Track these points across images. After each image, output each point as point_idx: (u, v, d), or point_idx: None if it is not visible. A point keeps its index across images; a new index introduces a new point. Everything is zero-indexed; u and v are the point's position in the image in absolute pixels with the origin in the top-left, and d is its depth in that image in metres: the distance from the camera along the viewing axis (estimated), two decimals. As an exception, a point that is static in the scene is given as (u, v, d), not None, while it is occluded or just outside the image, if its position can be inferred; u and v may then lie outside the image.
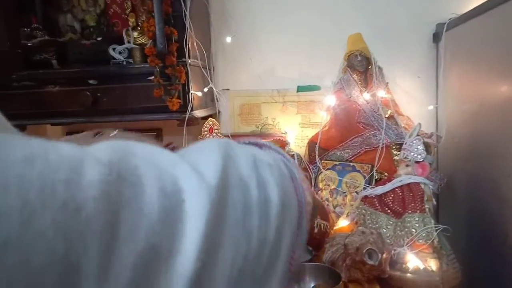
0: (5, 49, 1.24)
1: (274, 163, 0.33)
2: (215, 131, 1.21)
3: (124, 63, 1.26)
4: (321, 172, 1.35)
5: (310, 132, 1.53)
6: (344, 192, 1.29)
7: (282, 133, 1.55)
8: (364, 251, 0.87)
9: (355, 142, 1.33)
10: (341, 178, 1.31)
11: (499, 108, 1.04)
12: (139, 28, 1.29)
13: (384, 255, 0.90)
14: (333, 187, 1.32)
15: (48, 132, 1.66)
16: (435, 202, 1.04)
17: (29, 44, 1.28)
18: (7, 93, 1.24)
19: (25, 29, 1.29)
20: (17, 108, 1.25)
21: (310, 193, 0.38)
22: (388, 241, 1.01)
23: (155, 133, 1.58)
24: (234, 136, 1.53)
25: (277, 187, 0.31)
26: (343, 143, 1.36)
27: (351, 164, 1.32)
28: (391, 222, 1.04)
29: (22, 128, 1.31)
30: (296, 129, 1.56)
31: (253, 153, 0.33)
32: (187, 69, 1.18)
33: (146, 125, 1.56)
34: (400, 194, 1.06)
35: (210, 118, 1.23)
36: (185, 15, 1.17)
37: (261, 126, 1.58)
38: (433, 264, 0.92)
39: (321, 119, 1.50)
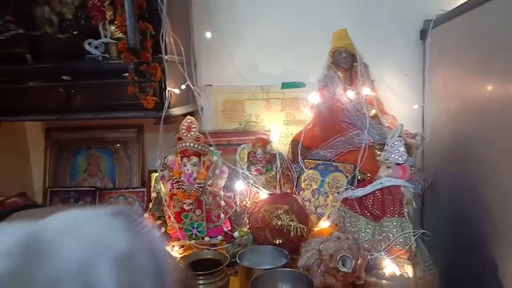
0: (-25, 43, 1.19)
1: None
2: (193, 129, 1.18)
3: (100, 58, 1.21)
4: (304, 171, 1.32)
5: (295, 130, 1.49)
6: (326, 193, 1.26)
7: (266, 130, 1.52)
8: (338, 257, 0.85)
9: (338, 142, 1.30)
10: (323, 178, 1.28)
11: (479, 109, 1.01)
12: (116, 22, 1.25)
13: (359, 261, 0.88)
14: (315, 187, 1.29)
15: (26, 128, 1.62)
16: (415, 205, 1.02)
17: (1, 37, 1.24)
18: (-22, 88, 1.20)
19: (-3, 22, 1.25)
20: (-12, 104, 1.21)
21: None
22: (366, 245, 0.98)
23: (136, 130, 1.55)
24: (217, 133, 1.49)
25: None
26: (326, 142, 1.32)
27: (334, 164, 1.29)
28: (370, 226, 1.02)
29: (-5, 125, 1.27)
30: (281, 127, 1.53)
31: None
32: (164, 65, 1.14)
33: (127, 121, 1.52)
34: (380, 197, 1.03)
35: (188, 116, 1.19)
36: (161, 10, 1.12)
37: (245, 123, 1.54)
38: (409, 271, 0.89)
39: (305, 117, 1.47)
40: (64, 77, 1.18)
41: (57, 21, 1.38)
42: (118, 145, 1.57)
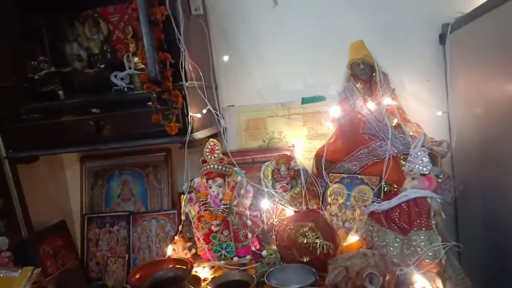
0: (12, 84, 1.28)
1: None
2: (216, 151, 1.21)
3: (125, 89, 1.28)
4: (329, 186, 1.32)
5: (318, 144, 1.50)
6: (353, 206, 1.25)
7: (289, 146, 1.53)
8: (365, 275, 0.84)
9: (362, 154, 1.29)
10: (349, 192, 1.27)
11: (504, 111, 0.98)
12: (138, 54, 1.31)
13: (387, 278, 0.87)
14: (341, 201, 1.29)
15: (63, 158, 1.71)
16: (444, 216, 0.99)
17: (35, 77, 1.33)
18: (17, 126, 1.29)
19: (32, 62, 1.34)
20: (27, 140, 1.29)
21: None
22: (395, 260, 0.97)
23: (164, 153, 1.60)
24: (241, 151, 1.52)
25: None
26: (349, 155, 1.32)
27: (359, 176, 1.28)
28: (398, 240, 1.00)
29: (34, 159, 1.36)
30: (304, 142, 1.54)
31: None
32: (185, 92, 1.18)
33: (156, 146, 1.57)
34: (406, 209, 1.01)
35: (211, 139, 1.22)
36: (179, 39, 1.17)
37: (268, 141, 1.56)
38: (441, 285, 0.87)
39: (327, 131, 1.47)
40: (94, 110, 1.25)
41: (85, 56, 1.47)
42: (150, 168, 1.63)
